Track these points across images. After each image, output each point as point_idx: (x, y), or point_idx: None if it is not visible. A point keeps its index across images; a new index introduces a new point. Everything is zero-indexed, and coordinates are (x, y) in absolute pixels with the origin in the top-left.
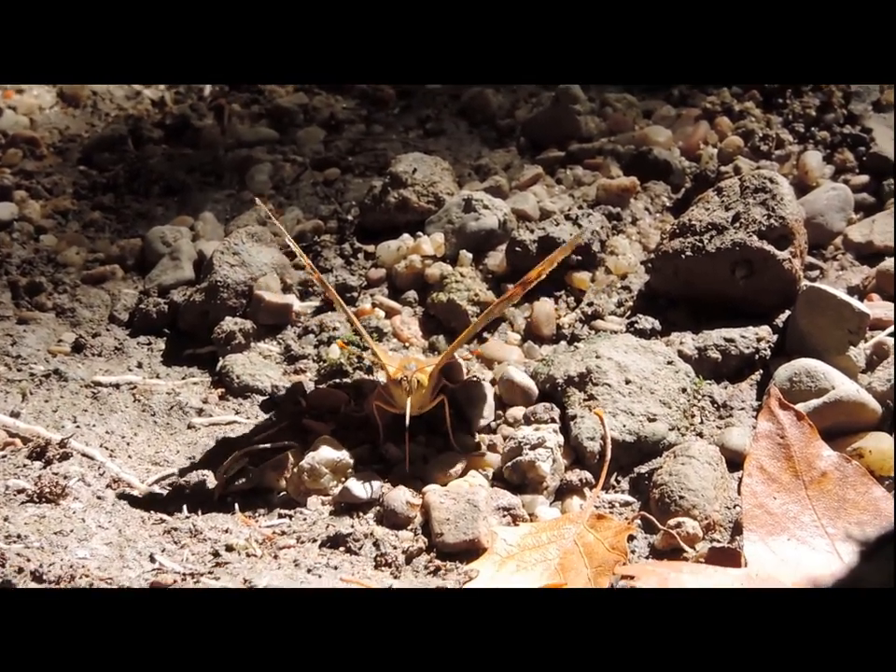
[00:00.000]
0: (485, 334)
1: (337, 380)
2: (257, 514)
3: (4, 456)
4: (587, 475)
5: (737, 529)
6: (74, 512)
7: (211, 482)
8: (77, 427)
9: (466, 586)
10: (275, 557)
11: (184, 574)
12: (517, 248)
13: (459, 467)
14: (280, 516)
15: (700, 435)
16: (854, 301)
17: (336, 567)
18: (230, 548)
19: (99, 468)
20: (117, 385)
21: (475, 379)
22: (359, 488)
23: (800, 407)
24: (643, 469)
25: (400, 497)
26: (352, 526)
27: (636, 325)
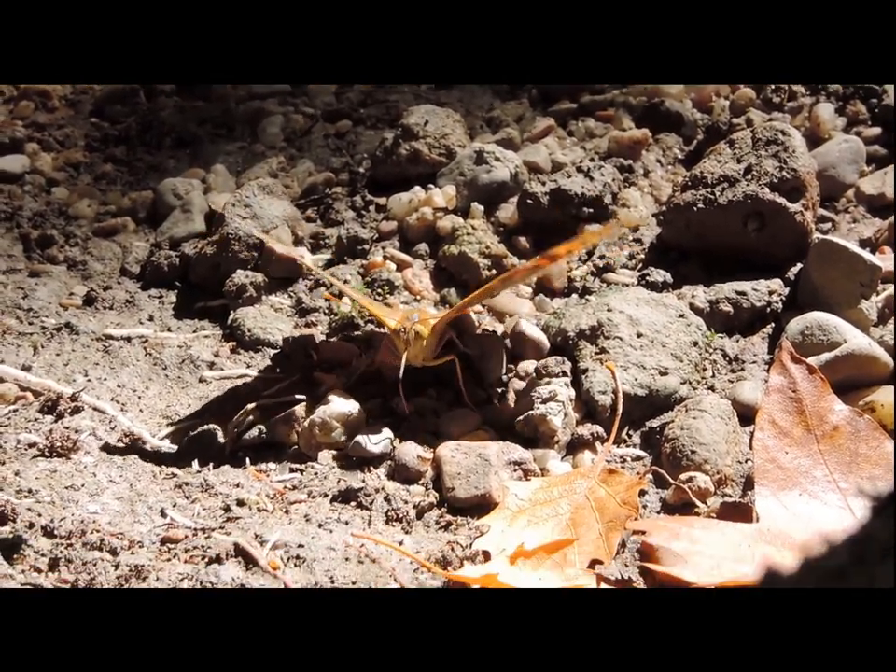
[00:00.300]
0: None
1: (348, 333)
2: (268, 469)
3: (15, 410)
4: (598, 429)
5: (749, 484)
6: (85, 467)
7: (222, 436)
8: (89, 380)
9: (475, 542)
10: (286, 512)
11: (195, 529)
12: (529, 201)
13: (471, 421)
14: (291, 471)
15: (712, 389)
16: (866, 254)
17: (347, 522)
18: (241, 503)
19: (110, 421)
20: (128, 339)
21: (488, 332)
22: (371, 442)
23: (812, 360)
24: (655, 423)
25: (412, 451)
26: (363, 481)
27: (647, 278)
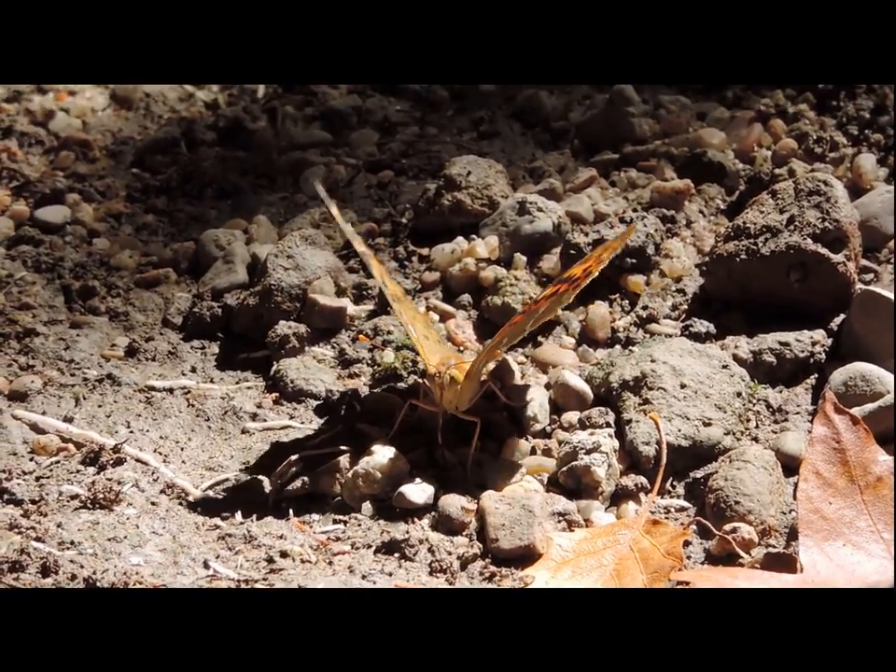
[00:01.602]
0: (540, 338)
1: (391, 384)
2: (311, 520)
3: (57, 462)
4: (642, 480)
5: (793, 534)
6: (127, 518)
7: (265, 487)
8: (131, 431)
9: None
10: (330, 563)
11: (238, 580)
12: (572, 251)
13: (516, 472)
14: (335, 522)
15: (755, 439)
16: None
17: (391, 574)
18: (284, 554)
19: (153, 473)
20: (170, 390)
21: (529, 383)
22: (415, 493)
23: (855, 411)
24: (698, 473)
25: (455, 502)
26: (407, 532)
27: (690, 328)
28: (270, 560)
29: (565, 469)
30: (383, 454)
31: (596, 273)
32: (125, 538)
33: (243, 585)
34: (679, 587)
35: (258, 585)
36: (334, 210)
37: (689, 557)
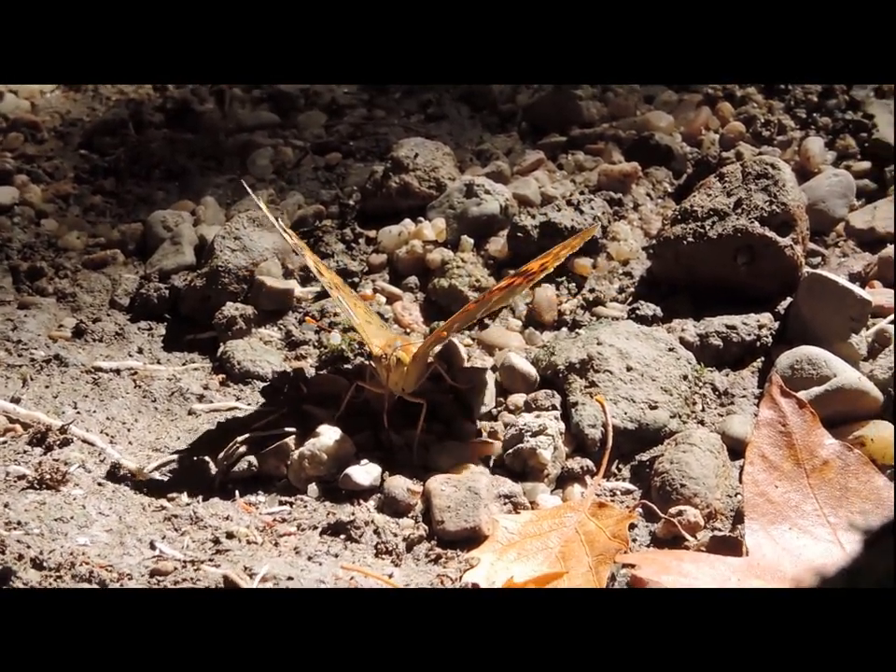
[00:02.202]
0: (486, 320)
1: (338, 365)
2: (257, 501)
3: (4, 442)
4: (588, 463)
5: (739, 518)
6: (74, 499)
7: (211, 468)
8: (78, 412)
9: (465, 575)
10: (276, 545)
11: (184, 561)
12: (519, 234)
13: (461, 454)
14: (281, 503)
15: (701, 423)
16: (856, 288)
17: (337, 555)
18: (230, 535)
19: (99, 454)
20: (117, 371)
21: (476, 365)
22: (360, 475)
23: (801, 395)
24: (644, 456)
25: (401, 484)
26: (353, 514)
27: (637, 311)
28: (216, 541)
29: (510, 451)
30: (329, 435)
31: (551, 270)
32: (72, 518)
33: (189, 566)
34: (638, 587)
35: (204, 566)
36: (262, 204)
37: (634, 540)
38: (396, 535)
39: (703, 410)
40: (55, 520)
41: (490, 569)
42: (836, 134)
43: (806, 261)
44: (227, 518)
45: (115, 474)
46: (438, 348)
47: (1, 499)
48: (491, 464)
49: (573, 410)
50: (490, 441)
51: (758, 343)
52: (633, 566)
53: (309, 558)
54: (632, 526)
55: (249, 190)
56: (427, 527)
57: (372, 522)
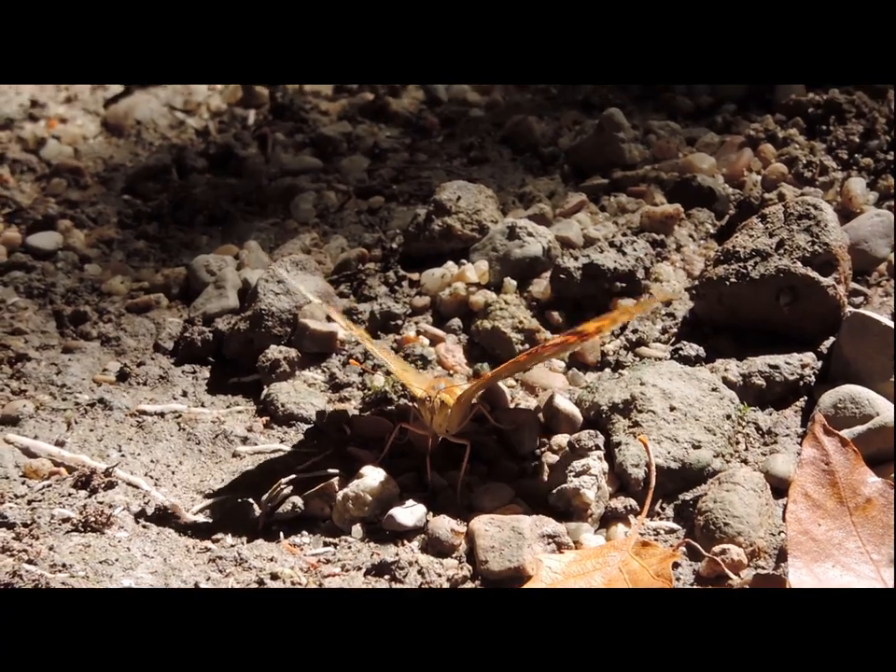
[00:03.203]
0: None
1: (381, 407)
2: (301, 543)
3: (49, 486)
4: (632, 502)
5: (782, 556)
6: (119, 541)
7: (256, 510)
8: (122, 455)
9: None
10: (320, 586)
11: None
12: (562, 275)
13: (505, 494)
14: (325, 544)
15: (745, 462)
16: None
17: None
18: (274, 576)
19: (144, 496)
20: (161, 414)
21: (521, 406)
22: (404, 516)
23: (844, 433)
24: (688, 496)
25: (445, 524)
26: (396, 555)
27: (680, 352)
28: (260, 582)
29: (554, 491)
30: (373, 476)
31: (607, 333)
32: (116, 560)
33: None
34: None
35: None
36: (286, 275)
37: (678, 579)
38: (440, 575)
39: (746, 449)
40: (100, 562)
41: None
42: (878, 175)
43: (849, 301)
44: (271, 559)
45: (159, 517)
46: (482, 391)
47: (46, 542)
48: (535, 504)
49: (617, 450)
50: (534, 480)
51: (801, 383)
52: None
53: None
54: (675, 565)
55: (286, 277)
56: (471, 567)
57: (416, 562)
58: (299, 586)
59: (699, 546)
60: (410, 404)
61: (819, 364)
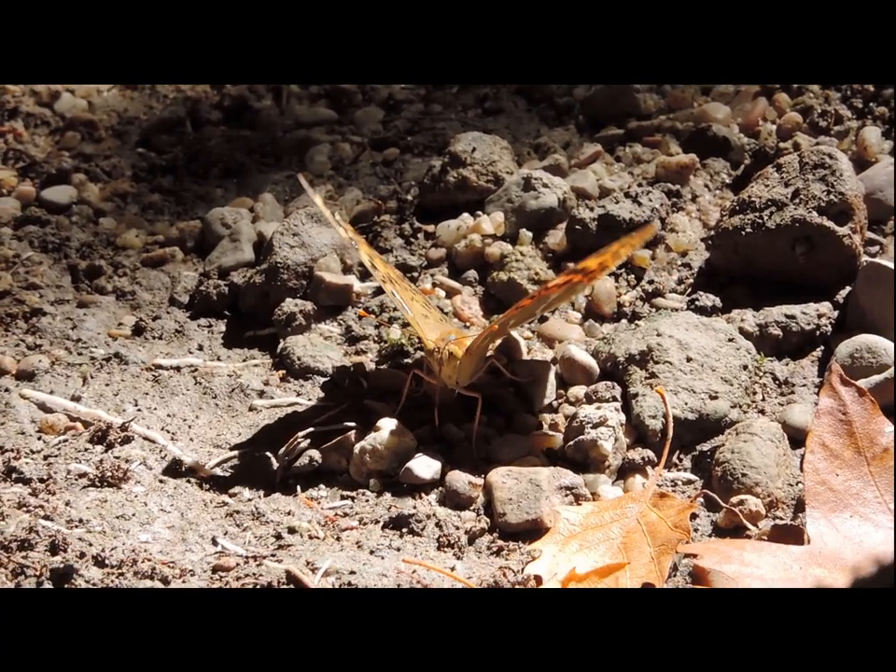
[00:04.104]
0: (546, 313)
1: (398, 360)
2: (319, 496)
3: (65, 441)
4: (649, 453)
5: (800, 506)
6: (136, 496)
7: (273, 464)
8: (139, 410)
9: (527, 567)
10: (338, 539)
11: (246, 557)
12: (577, 226)
13: (522, 446)
14: (342, 497)
15: (762, 412)
16: None
17: (399, 549)
18: (292, 530)
19: (161, 451)
20: (177, 368)
21: (537, 358)
22: (421, 468)
23: (861, 383)
24: (705, 446)
25: (462, 477)
26: (414, 507)
27: (696, 302)
28: (278, 536)
29: (571, 443)
30: (389, 429)
31: (612, 268)
32: (133, 515)
33: (251, 562)
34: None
35: (266, 562)
36: (318, 201)
37: (696, 530)
38: (457, 528)
39: (763, 399)
40: (117, 517)
41: (552, 561)
42: (893, 124)
43: (864, 250)
44: (289, 513)
45: (176, 471)
46: (497, 342)
47: (63, 497)
48: (552, 456)
49: (634, 401)
50: (551, 433)
51: (817, 333)
52: (695, 556)
53: (371, 552)
54: (693, 516)
55: (306, 186)
56: (488, 520)
57: (434, 515)
58: (316, 539)
59: (717, 497)
60: (424, 356)
61: (836, 314)
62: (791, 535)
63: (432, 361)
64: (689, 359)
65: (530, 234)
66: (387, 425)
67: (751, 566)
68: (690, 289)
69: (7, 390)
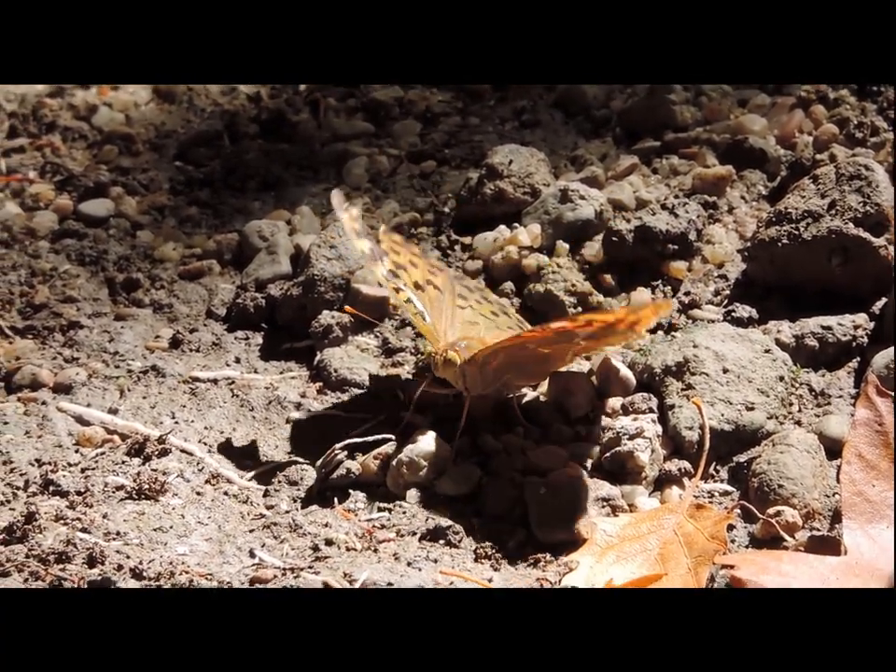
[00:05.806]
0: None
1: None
2: (356, 508)
3: (102, 453)
4: (686, 465)
5: (836, 517)
6: (173, 508)
7: (310, 476)
8: (176, 422)
9: (564, 578)
10: (375, 551)
11: (284, 569)
12: (614, 238)
13: (558, 457)
14: (379, 509)
15: (798, 423)
16: None
17: (436, 560)
18: (329, 542)
19: (198, 463)
20: (215, 381)
21: (573, 370)
22: (458, 480)
23: None
24: (742, 457)
25: (499, 488)
26: (451, 519)
27: (733, 313)
28: (315, 548)
29: (608, 454)
30: (426, 441)
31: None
32: (171, 527)
33: (289, 574)
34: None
35: (304, 573)
36: (347, 225)
37: (733, 541)
38: (494, 539)
39: (799, 410)
40: (154, 530)
41: (589, 572)
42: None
43: None
44: (326, 525)
45: (213, 483)
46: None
47: (100, 510)
48: (589, 467)
49: (670, 412)
50: (588, 444)
51: (853, 344)
52: (732, 566)
53: (408, 564)
54: (730, 527)
55: (336, 205)
56: (525, 531)
57: (471, 526)
58: (354, 551)
59: (753, 508)
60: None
61: (872, 325)
62: (827, 546)
63: (432, 364)
64: (725, 371)
65: (567, 246)
66: (424, 437)
67: (789, 576)
68: (726, 301)
69: (44, 403)
